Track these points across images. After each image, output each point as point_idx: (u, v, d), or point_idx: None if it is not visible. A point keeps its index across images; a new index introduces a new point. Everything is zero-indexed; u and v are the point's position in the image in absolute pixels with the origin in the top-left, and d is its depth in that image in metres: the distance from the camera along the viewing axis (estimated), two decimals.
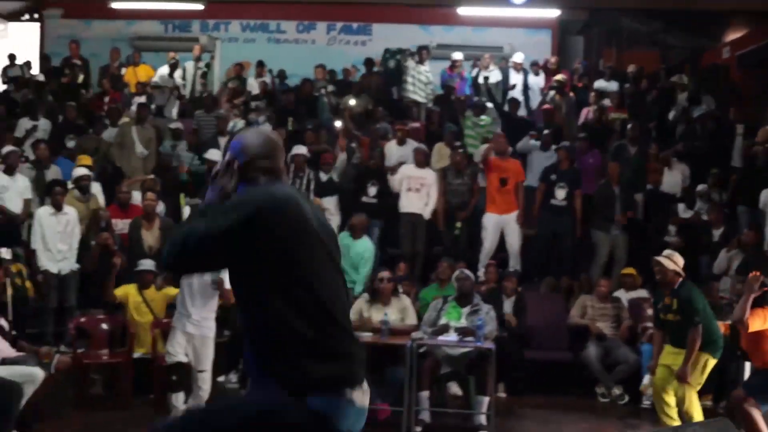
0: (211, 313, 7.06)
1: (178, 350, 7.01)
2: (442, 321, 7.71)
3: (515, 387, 8.68)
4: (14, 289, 7.61)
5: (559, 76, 13.19)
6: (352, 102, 13.09)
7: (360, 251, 9.35)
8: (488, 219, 10.25)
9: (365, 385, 2.79)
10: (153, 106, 13.29)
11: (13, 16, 19.07)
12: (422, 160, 10.57)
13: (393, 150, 11.27)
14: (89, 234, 9.05)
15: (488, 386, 7.35)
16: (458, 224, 10.62)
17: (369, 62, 14.56)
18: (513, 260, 10.22)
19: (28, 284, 8.15)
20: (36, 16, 18.27)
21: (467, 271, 8.06)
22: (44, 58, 15.98)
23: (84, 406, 7.68)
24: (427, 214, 10.41)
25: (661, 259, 6.73)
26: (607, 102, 12.87)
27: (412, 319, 7.78)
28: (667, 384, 6.61)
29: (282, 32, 16.92)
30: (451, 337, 7.45)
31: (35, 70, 15.52)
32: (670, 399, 6.61)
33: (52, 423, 7.19)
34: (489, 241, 10.27)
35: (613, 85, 13.74)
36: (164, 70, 14.47)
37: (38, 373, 6.67)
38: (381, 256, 10.48)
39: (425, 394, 7.42)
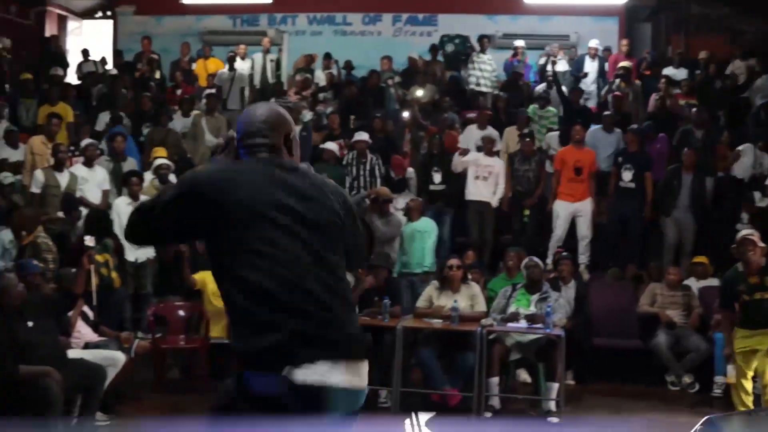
0: None
1: None
2: (512, 308, 7.77)
3: (583, 375, 8.68)
4: (99, 279, 7.86)
5: (624, 63, 13.06)
6: (419, 93, 13.17)
7: (420, 229, 9.46)
8: (560, 207, 10.26)
9: (348, 365, 2.67)
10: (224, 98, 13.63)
11: (88, 14, 19.62)
12: (491, 148, 10.62)
13: (473, 133, 11.32)
14: None
15: (557, 373, 7.38)
16: (526, 212, 10.67)
17: (434, 49, 14.62)
18: (582, 249, 10.21)
19: (114, 275, 8.39)
20: (109, 13, 18.77)
21: (536, 259, 8.11)
22: (117, 54, 16.41)
23: (162, 389, 7.92)
24: (495, 202, 10.47)
25: (753, 238, 6.65)
26: (676, 89, 12.76)
27: (481, 306, 7.84)
28: (749, 369, 6.56)
29: (348, 24, 17.05)
30: (521, 323, 7.50)
31: (109, 65, 15.98)
32: (749, 385, 6.57)
33: (132, 405, 7.45)
34: (561, 229, 10.28)
35: (682, 73, 13.57)
36: (244, 65, 14.75)
37: (120, 357, 6.94)
38: (451, 244, 10.58)
39: (495, 380, 7.49)
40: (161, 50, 16.25)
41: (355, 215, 3.02)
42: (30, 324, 6.31)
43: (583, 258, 10.18)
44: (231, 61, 14.20)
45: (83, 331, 7.28)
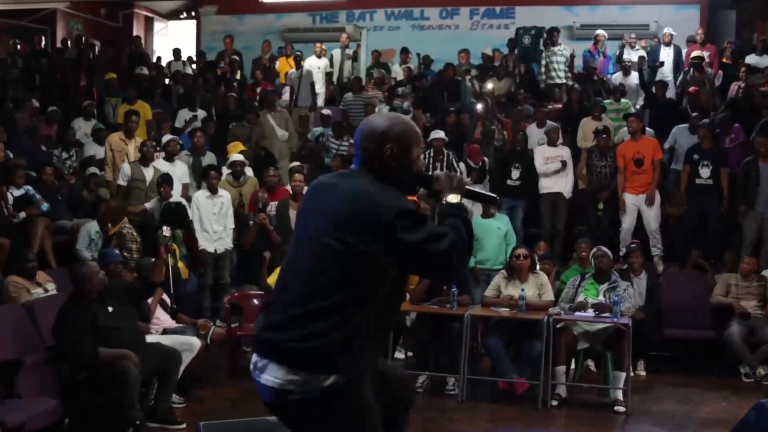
0: None
1: None
2: (580, 297, 7.79)
3: (655, 365, 8.63)
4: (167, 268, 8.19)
5: (697, 52, 12.83)
6: (490, 86, 13.19)
7: (494, 225, 9.53)
8: (627, 199, 10.21)
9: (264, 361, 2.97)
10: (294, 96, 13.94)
11: (173, 15, 20.26)
12: (555, 138, 10.65)
13: (534, 132, 11.36)
14: (248, 214, 9.58)
15: (624, 362, 7.36)
16: (600, 205, 10.62)
17: (511, 42, 14.63)
18: (653, 240, 10.12)
19: (180, 264, 8.69)
20: (192, 14, 19.34)
21: (605, 248, 8.09)
22: (200, 53, 16.91)
23: (237, 375, 8.17)
24: (567, 192, 10.48)
25: None
26: (759, 77, 12.47)
27: (549, 296, 7.87)
28: None
29: (426, 19, 17.18)
30: (588, 312, 7.51)
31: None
32: None
33: (208, 390, 7.71)
34: (628, 221, 10.23)
35: (765, 60, 13.25)
36: (320, 62, 15.04)
37: (196, 343, 7.21)
38: (523, 235, 10.62)
39: (561, 369, 7.50)
40: (243, 48, 16.74)
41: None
42: (110, 309, 6.62)
43: (656, 250, 10.09)
44: (297, 60, 14.50)
45: (162, 318, 7.59)
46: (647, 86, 12.32)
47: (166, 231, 7.24)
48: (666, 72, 13.22)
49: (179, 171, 10.02)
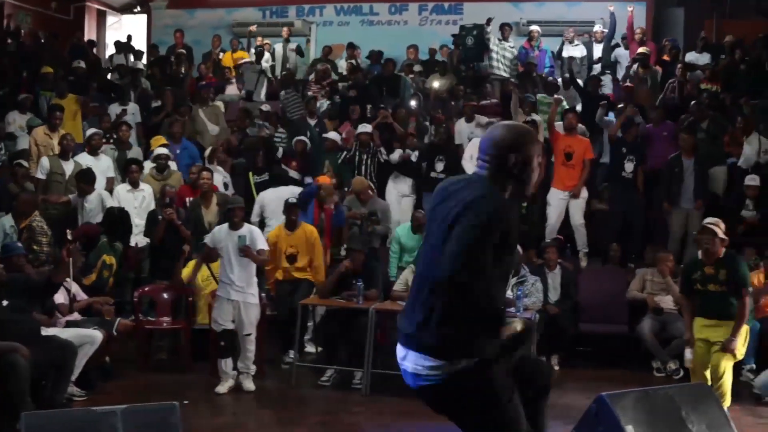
0: (252, 279, 7.41)
1: (224, 318, 7.38)
2: None
3: (570, 360, 8.65)
4: (98, 278, 8.22)
5: (642, 49, 12.86)
6: (436, 84, 13.15)
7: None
8: (553, 195, 10.21)
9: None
10: (243, 91, 13.86)
11: (126, 9, 20.11)
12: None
13: (463, 127, 11.34)
14: (156, 209, 9.51)
15: None
16: (524, 203, 10.59)
17: (455, 38, 14.63)
18: (578, 236, 10.14)
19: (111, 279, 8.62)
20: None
21: None
22: (153, 47, 16.76)
23: (147, 369, 8.14)
24: None
25: (713, 227, 6.54)
26: (699, 74, 12.54)
27: None
28: (706, 359, 6.46)
29: (375, 14, 17.17)
30: None
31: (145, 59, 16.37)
32: (708, 374, 6.48)
33: (116, 383, 7.67)
34: (553, 217, 10.24)
35: (705, 58, 13.32)
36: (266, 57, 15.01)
37: (97, 335, 7.14)
38: None
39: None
40: (194, 43, 16.63)
41: None
42: (4, 303, 6.56)
43: (580, 245, 10.11)
44: (259, 55, 14.42)
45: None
46: (580, 88, 12.30)
47: (70, 234, 7.15)
48: (598, 69, 13.25)
49: (103, 165, 9.96)
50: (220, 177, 10.27)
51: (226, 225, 7.53)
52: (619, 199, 10.21)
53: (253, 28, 15.85)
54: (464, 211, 3.09)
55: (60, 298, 7.45)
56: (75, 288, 7.79)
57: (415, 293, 3.30)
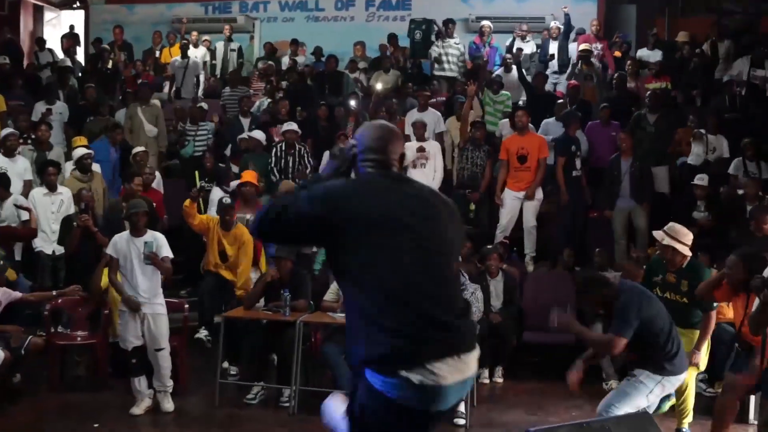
0: (158, 288, 6.87)
1: (132, 333, 6.82)
2: None
3: (514, 371, 8.20)
4: None
5: (584, 45, 12.48)
6: (379, 86, 12.62)
7: None
8: (506, 196, 9.78)
9: (455, 360, 2.85)
10: (173, 88, 13.29)
11: (65, 5, 19.35)
12: (422, 133, 10.17)
13: (415, 116, 10.85)
14: (71, 215, 8.90)
15: None
16: (471, 206, 10.14)
17: (393, 38, 14.18)
18: (527, 239, 9.72)
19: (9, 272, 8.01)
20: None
21: None
22: (91, 43, 16.08)
23: (61, 388, 7.55)
24: (434, 187, 9.98)
25: (669, 241, 6.14)
26: (646, 72, 12.22)
27: None
28: None
29: (321, 10, 16.62)
30: None
31: (80, 56, 15.70)
32: None
33: (26, 404, 7.12)
34: (506, 219, 9.81)
35: (656, 54, 12.98)
36: (197, 52, 14.44)
37: None
38: None
39: None
40: (133, 39, 16.03)
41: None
42: None
43: (529, 248, 9.69)
44: (184, 49, 13.85)
45: None
46: (526, 81, 11.87)
47: None
48: (554, 66, 12.86)
49: (20, 167, 9.36)
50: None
51: (126, 232, 6.95)
52: (570, 199, 9.80)
53: (185, 20, 15.26)
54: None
55: None
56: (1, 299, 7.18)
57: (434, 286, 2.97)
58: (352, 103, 11.48)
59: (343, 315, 7.03)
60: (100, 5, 17.57)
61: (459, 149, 10.30)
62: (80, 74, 14.07)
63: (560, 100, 10.91)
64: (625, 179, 9.39)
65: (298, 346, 6.97)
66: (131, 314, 6.77)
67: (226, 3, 16.87)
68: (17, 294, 7.38)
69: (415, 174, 9.95)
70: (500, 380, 8.10)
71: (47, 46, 15.35)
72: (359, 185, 3.07)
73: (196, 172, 10.40)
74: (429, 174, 10.01)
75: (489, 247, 8.70)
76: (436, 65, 13.29)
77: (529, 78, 12.03)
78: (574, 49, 13.45)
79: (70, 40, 15.52)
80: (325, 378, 7.50)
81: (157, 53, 15.01)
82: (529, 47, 13.51)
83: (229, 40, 14.63)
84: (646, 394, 5.31)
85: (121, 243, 6.88)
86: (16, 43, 14.96)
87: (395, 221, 2.92)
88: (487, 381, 8.03)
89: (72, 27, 16.34)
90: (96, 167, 9.67)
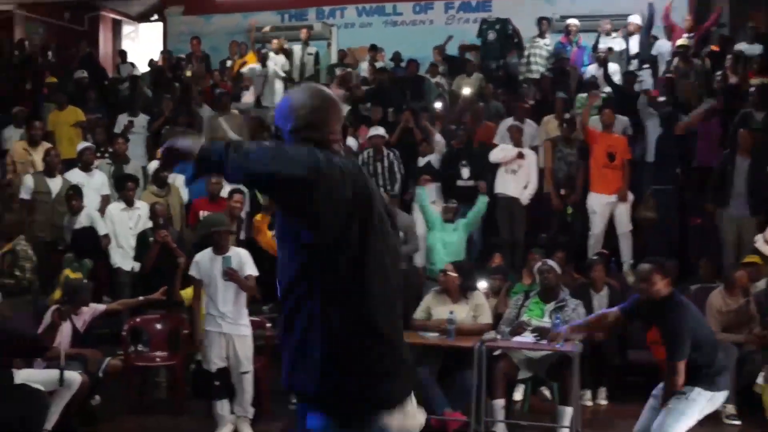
0: (243, 309, 6.49)
1: (217, 354, 6.46)
2: (523, 319, 6.78)
3: (619, 393, 7.59)
4: None
5: (682, 40, 11.77)
6: (467, 90, 12.07)
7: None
8: (595, 200, 9.20)
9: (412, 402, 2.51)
10: (252, 98, 13.04)
11: (143, 18, 19.38)
12: (518, 138, 9.61)
13: (512, 123, 10.30)
14: (146, 231, 8.62)
15: (570, 396, 6.34)
16: (569, 209, 9.58)
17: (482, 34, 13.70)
18: (624, 246, 9.10)
19: None
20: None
21: (551, 262, 7.06)
22: (164, 55, 15.99)
23: (140, 410, 7.25)
24: (524, 199, 9.46)
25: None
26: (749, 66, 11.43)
27: (485, 318, 6.85)
28: None
29: (398, 14, 16.19)
30: (527, 338, 6.49)
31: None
32: None
33: (104, 427, 6.84)
34: (599, 227, 9.23)
35: (756, 48, 12.17)
36: (278, 59, 14.16)
37: (75, 379, 6.29)
38: (481, 245, 9.66)
39: (499, 403, 6.49)
40: (211, 50, 15.86)
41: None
42: None
43: (626, 256, 9.07)
44: (263, 58, 13.56)
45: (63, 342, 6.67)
46: (611, 80, 11.23)
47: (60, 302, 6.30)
48: (635, 64, 12.20)
49: (97, 182, 9.14)
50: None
51: (209, 250, 6.59)
52: (670, 205, 9.14)
53: (254, 23, 14.97)
54: None
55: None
56: (86, 317, 6.93)
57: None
58: (438, 105, 10.98)
59: (437, 335, 6.61)
60: (177, 17, 17.48)
61: (552, 148, 9.69)
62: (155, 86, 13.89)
63: (660, 98, 10.23)
64: (739, 180, 8.65)
65: None
66: (217, 334, 6.41)
67: (302, 10, 16.59)
68: (101, 307, 7.14)
69: (506, 179, 9.45)
70: (604, 402, 7.52)
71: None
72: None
73: None
74: (521, 181, 9.49)
75: (594, 257, 8.11)
76: (524, 67, 12.75)
77: (615, 77, 11.43)
78: (661, 45, 12.78)
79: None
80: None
81: (228, 63, 14.76)
82: (616, 44, 12.83)
83: (306, 44, 14.32)
84: (699, 411, 4.92)
85: (203, 262, 6.53)
86: (94, 58, 14.90)
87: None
88: (590, 403, 7.46)
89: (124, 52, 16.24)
90: (174, 179, 9.41)
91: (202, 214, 8.79)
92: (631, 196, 9.22)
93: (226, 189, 8.82)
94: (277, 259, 2.62)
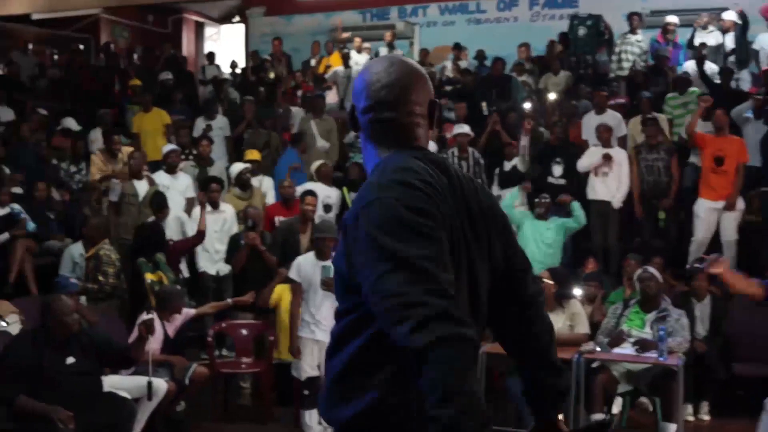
0: None
1: (310, 363, 6.30)
2: (623, 329, 6.44)
3: (723, 408, 7.18)
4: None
5: None
6: (552, 95, 11.63)
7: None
8: (701, 205, 8.74)
9: None
10: (335, 100, 12.88)
11: (225, 19, 19.49)
12: (608, 137, 9.22)
13: (592, 120, 9.93)
14: (238, 233, 8.52)
15: (674, 411, 5.99)
16: (661, 215, 9.15)
17: (564, 37, 13.24)
18: (727, 254, 8.61)
19: None
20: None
21: (652, 269, 6.70)
22: (254, 54, 15.98)
23: (225, 417, 7.14)
24: (617, 202, 9.07)
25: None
26: None
27: (582, 327, 6.55)
28: None
29: (482, 12, 15.87)
30: (627, 349, 6.16)
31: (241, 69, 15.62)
32: None
33: None
34: (701, 232, 8.75)
35: None
36: (360, 58, 14.01)
37: (161, 386, 6.20)
38: (572, 249, 9.31)
39: (597, 418, 6.18)
40: (292, 50, 15.77)
41: None
42: (69, 361, 5.63)
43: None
44: (346, 58, 13.40)
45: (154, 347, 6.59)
46: (707, 77, 10.71)
47: (147, 314, 6.20)
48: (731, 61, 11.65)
49: (182, 184, 9.06)
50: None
51: (311, 254, 6.43)
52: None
53: (340, 23, 14.86)
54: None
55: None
56: (177, 323, 6.86)
57: None
58: (527, 106, 10.66)
59: None
60: (259, 18, 17.50)
61: (635, 153, 9.27)
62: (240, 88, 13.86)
63: (758, 95, 9.70)
64: None
65: (482, 378, 6.26)
66: (311, 341, 6.25)
67: (384, 9, 16.42)
68: (192, 311, 7.05)
69: (596, 183, 9.07)
70: (707, 418, 7.10)
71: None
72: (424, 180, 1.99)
73: (344, 188, 9.73)
74: (612, 185, 9.08)
75: (697, 265, 7.70)
76: (615, 65, 12.31)
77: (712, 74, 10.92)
78: (763, 39, 12.16)
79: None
80: (508, 414, 6.77)
81: (312, 62, 14.66)
82: (712, 38, 12.27)
83: (391, 45, 14.12)
84: None
85: (306, 266, 6.38)
86: (178, 59, 14.97)
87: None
88: (691, 418, 7.06)
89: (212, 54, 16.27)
90: (267, 182, 9.33)
91: (277, 219, 8.69)
92: (741, 204, 8.72)
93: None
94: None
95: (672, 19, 12.61)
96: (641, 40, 12.39)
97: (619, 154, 9.20)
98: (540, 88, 12.40)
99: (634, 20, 12.42)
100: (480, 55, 14.09)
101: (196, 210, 8.59)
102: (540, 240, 8.32)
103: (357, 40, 13.99)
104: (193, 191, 9.13)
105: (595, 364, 6.29)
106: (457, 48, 14.32)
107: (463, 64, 14.06)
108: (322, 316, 6.24)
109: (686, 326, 6.41)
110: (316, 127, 10.83)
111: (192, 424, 6.86)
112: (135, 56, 15.64)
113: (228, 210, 8.66)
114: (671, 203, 9.02)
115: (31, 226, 8.49)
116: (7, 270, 8.12)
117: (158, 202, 8.20)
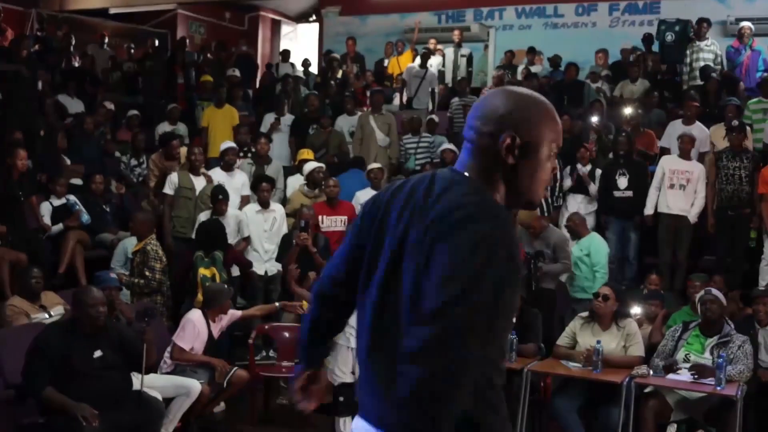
0: None
1: (344, 369, 6.08)
2: (680, 354, 6.05)
3: None
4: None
5: None
6: (628, 111, 11.08)
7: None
8: None
9: None
10: (405, 98, 12.67)
11: (301, 18, 19.50)
12: (688, 149, 8.76)
13: (680, 129, 9.46)
14: (291, 232, 8.37)
15: None
16: (753, 233, 8.63)
17: (647, 39, 12.74)
18: None
19: None
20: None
21: (716, 292, 6.28)
22: (327, 54, 15.92)
23: (263, 420, 6.98)
24: (692, 216, 8.61)
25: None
26: None
27: (637, 350, 6.15)
28: None
29: (560, 16, 15.47)
30: (683, 375, 5.77)
31: (314, 68, 15.57)
32: None
33: None
34: None
35: None
36: (434, 60, 13.79)
37: (194, 387, 6.08)
38: (637, 265, 8.91)
39: None
40: (365, 51, 15.65)
41: None
42: (97, 354, 5.53)
43: None
44: (424, 58, 13.16)
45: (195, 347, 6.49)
46: None
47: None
48: None
49: (238, 182, 8.93)
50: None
51: None
52: None
53: (417, 22, 14.72)
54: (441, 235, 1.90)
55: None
56: (223, 323, 6.74)
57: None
58: (594, 120, 10.23)
59: (580, 366, 6.00)
60: (333, 17, 17.41)
61: (714, 159, 8.78)
62: (310, 86, 13.80)
63: None
64: None
65: (525, 397, 5.96)
66: (346, 347, 6.04)
67: (460, 11, 16.16)
68: (237, 313, 6.91)
69: (671, 195, 8.64)
70: None
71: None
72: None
73: None
74: (688, 198, 8.64)
75: (762, 287, 7.24)
76: (687, 75, 11.80)
77: None
78: None
79: None
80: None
81: (386, 62, 14.50)
82: None
83: (459, 45, 13.84)
84: None
85: None
86: (251, 56, 14.98)
87: None
88: None
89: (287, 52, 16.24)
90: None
91: (321, 219, 8.50)
92: None
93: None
94: None
95: (747, 24, 12.04)
96: (711, 44, 11.83)
97: (698, 168, 8.74)
98: (614, 96, 11.98)
99: (703, 26, 11.87)
100: (554, 60, 13.72)
101: (247, 208, 8.50)
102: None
103: (432, 41, 13.74)
104: (248, 189, 9.02)
105: (647, 389, 5.92)
106: (531, 52, 13.99)
107: (537, 68, 13.71)
108: (354, 321, 6.00)
109: (749, 353, 5.97)
110: (375, 121, 10.73)
111: (228, 427, 6.74)
112: (209, 53, 15.69)
113: (278, 209, 8.54)
114: (757, 220, 8.45)
115: (85, 218, 8.50)
116: (59, 261, 8.12)
117: (217, 195, 8.08)
